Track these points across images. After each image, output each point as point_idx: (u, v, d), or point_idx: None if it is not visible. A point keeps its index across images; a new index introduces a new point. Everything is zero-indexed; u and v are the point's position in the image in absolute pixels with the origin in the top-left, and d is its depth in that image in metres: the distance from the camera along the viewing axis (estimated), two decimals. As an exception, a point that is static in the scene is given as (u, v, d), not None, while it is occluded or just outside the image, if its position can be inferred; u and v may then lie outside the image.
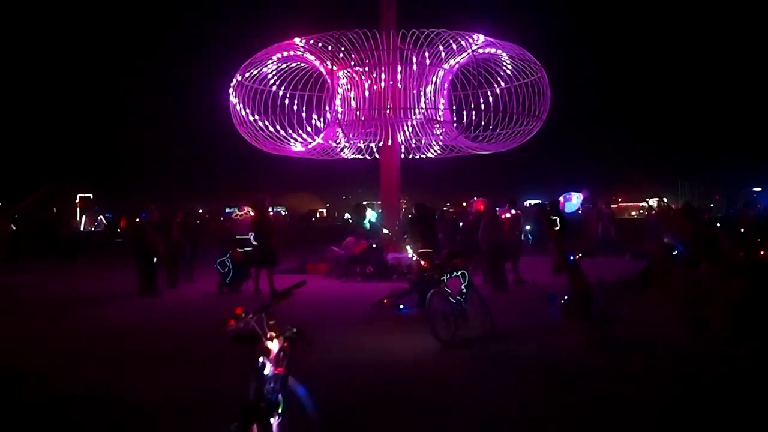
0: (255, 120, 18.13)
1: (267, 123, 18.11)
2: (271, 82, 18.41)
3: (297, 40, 17.44)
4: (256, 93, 18.21)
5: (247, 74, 18.17)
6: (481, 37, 17.33)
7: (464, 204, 20.54)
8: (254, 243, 14.62)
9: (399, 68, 17.57)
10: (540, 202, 18.22)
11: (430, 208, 16.10)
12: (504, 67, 18.09)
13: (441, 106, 18.44)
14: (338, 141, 18.75)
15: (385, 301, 11.21)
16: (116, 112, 62.90)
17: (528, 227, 25.97)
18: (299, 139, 18.28)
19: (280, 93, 18.32)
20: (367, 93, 17.86)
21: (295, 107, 18.16)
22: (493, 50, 17.68)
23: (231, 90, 18.55)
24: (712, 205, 53.40)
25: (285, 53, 17.91)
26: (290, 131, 18.07)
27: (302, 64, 18.61)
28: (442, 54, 17.56)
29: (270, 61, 18.13)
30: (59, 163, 52.33)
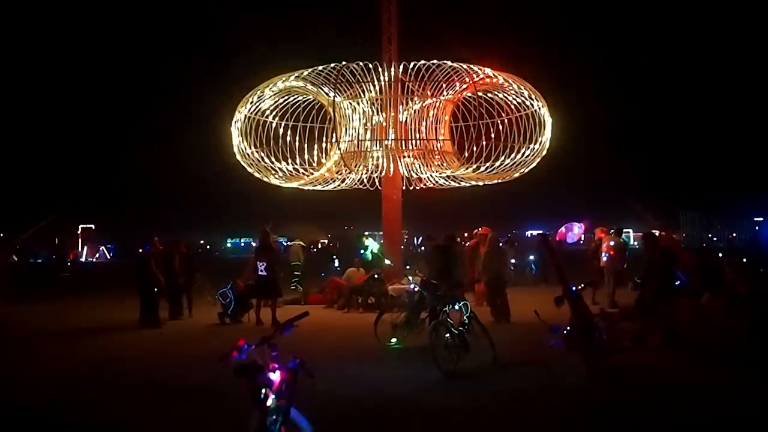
0: (254, 152, 18.17)
1: (267, 154, 18.14)
2: (271, 113, 18.45)
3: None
4: (257, 124, 18.25)
5: (247, 105, 18.17)
6: (483, 69, 17.45)
7: (467, 234, 20.55)
8: (262, 273, 14.41)
9: (401, 101, 17.74)
10: (542, 232, 18.24)
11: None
12: (505, 98, 18.20)
13: (441, 137, 18.54)
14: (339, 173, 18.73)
15: None
16: (118, 142, 63.43)
17: (531, 257, 26.05)
18: (301, 171, 18.30)
19: (282, 124, 18.41)
20: (368, 124, 18.00)
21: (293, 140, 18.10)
22: (493, 81, 17.80)
23: (233, 122, 18.58)
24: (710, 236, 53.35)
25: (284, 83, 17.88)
26: (291, 162, 18.08)
27: (303, 96, 18.71)
28: (444, 86, 17.72)
29: (270, 93, 18.14)
30: (60, 193, 52.60)
